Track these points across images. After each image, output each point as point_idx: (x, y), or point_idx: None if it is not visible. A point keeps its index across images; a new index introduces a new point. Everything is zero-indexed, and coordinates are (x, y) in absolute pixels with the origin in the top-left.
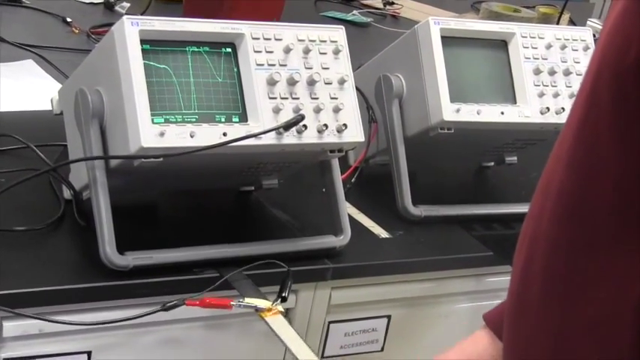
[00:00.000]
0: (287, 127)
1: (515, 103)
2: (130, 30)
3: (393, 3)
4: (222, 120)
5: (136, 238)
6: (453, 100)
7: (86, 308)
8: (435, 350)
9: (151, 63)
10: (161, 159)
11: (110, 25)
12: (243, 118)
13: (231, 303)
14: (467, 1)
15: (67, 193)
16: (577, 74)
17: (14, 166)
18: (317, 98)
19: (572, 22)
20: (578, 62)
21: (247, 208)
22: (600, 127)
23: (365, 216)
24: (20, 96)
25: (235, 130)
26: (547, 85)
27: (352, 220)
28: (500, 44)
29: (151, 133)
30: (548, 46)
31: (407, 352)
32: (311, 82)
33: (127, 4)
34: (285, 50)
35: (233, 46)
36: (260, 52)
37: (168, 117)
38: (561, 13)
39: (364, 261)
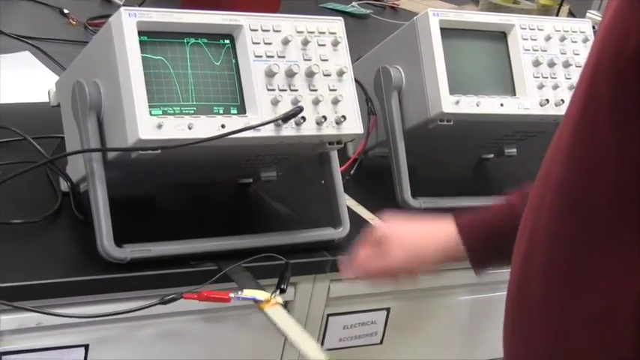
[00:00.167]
0: (285, 118)
1: (515, 94)
2: (128, 21)
3: None
4: (221, 112)
5: (133, 230)
6: (452, 92)
7: (84, 301)
8: (434, 343)
9: (149, 54)
10: (159, 151)
11: (108, 16)
12: (242, 110)
13: (230, 295)
14: None
15: (64, 186)
16: (576, 66)
17: (11, 158)
18: (316, 90)
19: (571, 14)
20: (578, 54)
21: (246, 200)
22: (599, 119)
23: (364, 208)
24: (17, 88)
25: (233, 122)
26: (546, 77)
27: (351, 213)
28: (500, 36)
29: (148, 125)
30: (548, 38)
31: (406, 345)
32: (310, 74)
33: None
34: (283, 42)
35: (231, 37)
36: (258, 43)
37: (166, 109)
38: (560, 5)
39: None
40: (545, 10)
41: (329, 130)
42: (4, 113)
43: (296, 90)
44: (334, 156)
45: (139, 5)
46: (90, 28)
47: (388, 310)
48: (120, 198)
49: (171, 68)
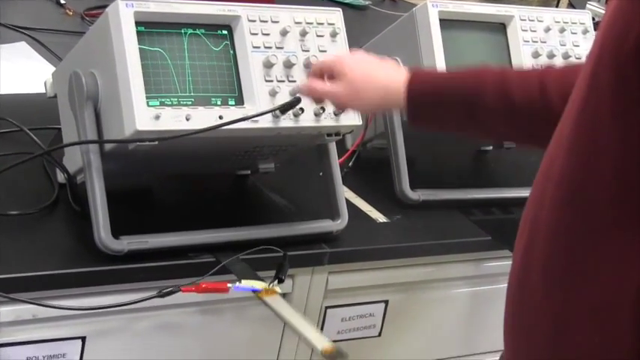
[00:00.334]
0: (283, 110)
1: None
2: (125, 12)
3: None
4: (218, 103)
5: (131, 222)
6: None
7: (80, 293)
8: (433, 336)
9: (146, 45)
10: (156, 142)
11: (105, 6)
12: (240, 101)
13: (229, 285)
14: None
15: (61, 177)
16: (576, 57)
17: (7, 149)
18: None
19: (571, 5)
20: (577, 46)
21: (244, 192)
22: (601, 111)
23: (362, 200)
24: (13, 78)
25: (231, 113)
26: None
27: (349, 204)
28: (499, 27)
29: (146, 116)
30: (547, 30)
31: (405, 337)
32: (308, 65)
33: None
34: (281, 33)
35: (229, 28)
36: (256, 34)
37: (163, 100)
38: None
39: (361, 245)
40: (544, 2)
41: (327, 121)
42: (0, 104)
43: (294, 81)
44: (332, 148)
45: None
46: (87, 18)
47: (387, 302)
48: (117, 189)
49: (168, 59)
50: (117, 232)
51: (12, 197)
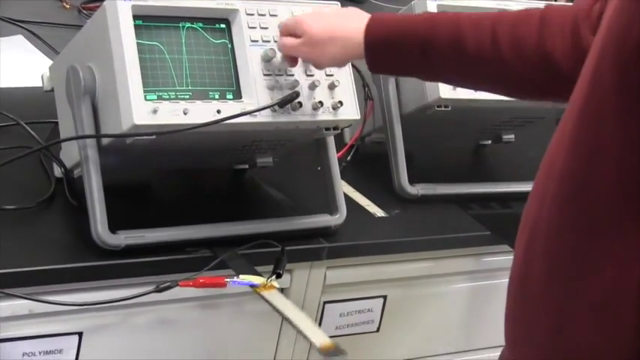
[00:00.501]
0: (282, 104)
1: None
2: (122, 5)
3: None
4: (216, 97)
5: (128, 216)
6: None
7: (77, 288)
8: (432, 331)
9: (144, 39)
10: (154, 137)
11: (102, 0)
12: (238, 95)
13: (226, 280)
14: None
15: (57, 171)
16: None
17: (4, 143)
18: (312, 75)
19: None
20: None
21: (241, 186)
22: (604, 108)
23: (361, 194)
24: (10, 72)
25: (229, 108)
26: None
27: (348, 199)
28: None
29: (143, 110)
30: None
31: (403, 333)
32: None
33: None
34: (280, 26)
35: (227, 22)
36: (254, 28)
37: (161, 94)
38: None
39: (360, 240)
40: None
41: (325, 115)
42: None
43: (292, 75)
44: (331, 142)
45: None
46: (84, 11)
47: (385, 297)
48: (114, 184)
49: (166, 53)
50: (114, 226)
51: (8, 191)
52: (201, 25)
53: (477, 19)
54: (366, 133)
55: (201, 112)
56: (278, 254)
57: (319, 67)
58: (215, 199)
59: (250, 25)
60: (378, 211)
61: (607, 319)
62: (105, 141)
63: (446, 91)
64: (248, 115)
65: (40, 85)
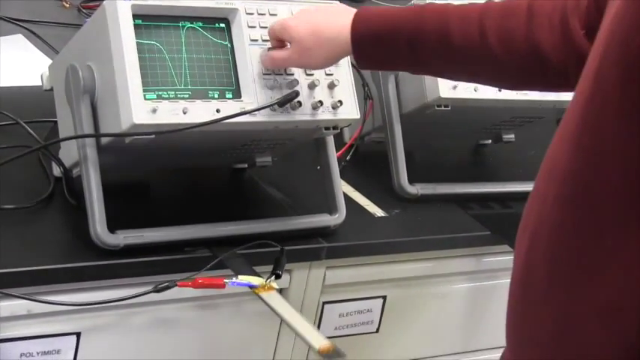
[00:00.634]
0: (281, 103)
1: None
2: (122, 4)
3: None
4: (216, 96)
5: (127, 216)
6: None
7: (76, 288)
8: (432, 331)
9: (144, 38)
10: (153, 136)
11: None
12: (237, 94)
13: (225, 281)
14: None
15: (56, 171)
16: None
17: (3, 142)
18: (312, 74)
19: None
20: None
21: (241, 186)
22: (607, 109)
23: (360, 194)
24: (9, 71)
25: (229, 107)
26: None
27: (347, 199)
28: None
29: (143, 109)
30: None
31: (403, 333)
32: None
33: None
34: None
35: (227, 21)
36: (254, 27)
37: (160, 93)
38: None
39: (359, 240)
40: None
41: (325, 115)
42: None
43: (292, 74)
44: (330, 141)
45: None
46: (84, 10)
47: (384, 298)
48: (113, 183)
49: (165, 52)
50: (113, 226)
51: (7, 191)
52: (200, 24)
53: (465, 11)
54: (365, 133)
55: (200, 112)
56: (277, 254)
57: (314, 69)
58: (214, 199)
59: (250, 25)
60: (377, 211)
61: (611, 322)
62: (104, 140)
63: (446, 90)
64: (247, 115)
65: (40, 84)
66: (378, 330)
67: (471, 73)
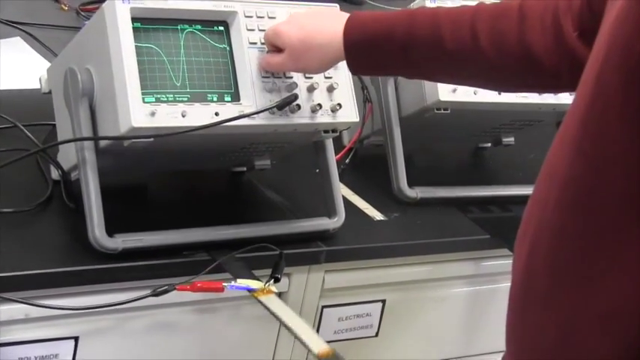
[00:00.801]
0: (280, 106)
1: None
2: (121, 7)
3: None
4: (215, 99)
5: (125, 220)
6: None
7: (74, 292)
8: (431, 335)
9: (142, 41)
10: (152, 139)
11: (101, 2)
12: (236, 97)
13: (224, 285)
14: None
15: (55, 174)
16: None
17: (1, 145)
18: (311, 77)
19: None
20: None
21: (239, 189)
22: (609, 113)
23: (359, 197)
24: (8, 74)
25: (227, 110)
26: None
27: (346, 202)
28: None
29: (141, 112)
30: None
31: (402, 337)
32: None
33: None
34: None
35: (225, 24)
36: (253, 30)
37: (159, 96)
38: None
39: (358, 244)
40: None
41: (324, 118)
42: None
43: (290, 77)
44: (329, 144)
45: None
46: (82, 13)
47: (384, 301)
48: (112, 187)
49: (164, 55)
50: (111, 229)
51: (5, 194)
52: (199, 27)
53: (456, 14)
54: (364, 136)
55: (199, 115)
56: (276, 258)
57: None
58: (213, 202)
59: (249, 28)
60: (376, 215)
61: (612, 326)
62: (102, 143)
63: (445, 93)
64: (246, 118)
65: (38, 87)
66: (377, 334)
67: (464, 76)
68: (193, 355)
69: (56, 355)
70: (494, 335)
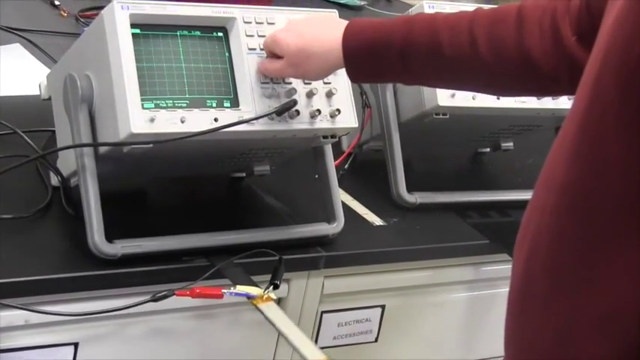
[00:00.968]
0: (279, 112)
1: None
2: (120, 14)
3: None
4: (214, 105)
5: (124, 225)
6: None
7: (73, 298)
8: (431, 341)
9: (142, 47)
10: (151, 145)
11: (100, 8)
12: (235, 103)
13: (223, 291)
14: None
15: (54, 180)
16: None
17: (1, 152)
18: (310, 83)
19: None
20: None
21: (239, 195)
22: (607, 118)
23: (358, 203)
24: (7, 80)
25: (227, 116)
26: None
27: (345, 207)
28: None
29: (140, 118)
30: None
31: (402, 342)
32: None
33: None
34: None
35: (224, 30)
36: (252, 36)
37: (158, 102)
38: None
39: (358, 249)
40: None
41: (323, 123)
42: None
43: (290, 83)
44: (328, 150)
45: None
46: (82, 20)
47: (383, 307)
48: (111, 192)
49: (163, 61)
50: (110, 235)
51: (5, 200)
52: (198, 33)
53: (454, 20)
54: (363, 141)
55: (198, 121)
56: (275, 263)
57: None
58: (212, 208)
59: (248, 34)
60: (376, 220)
61: (611, 330)
62: (102, 149)
63: (444, 98)
64: (245, 124)
65: (38, 93)
66: (376, 339)
67: (463, 82)
68: None
69: None
70: (494, 340)
